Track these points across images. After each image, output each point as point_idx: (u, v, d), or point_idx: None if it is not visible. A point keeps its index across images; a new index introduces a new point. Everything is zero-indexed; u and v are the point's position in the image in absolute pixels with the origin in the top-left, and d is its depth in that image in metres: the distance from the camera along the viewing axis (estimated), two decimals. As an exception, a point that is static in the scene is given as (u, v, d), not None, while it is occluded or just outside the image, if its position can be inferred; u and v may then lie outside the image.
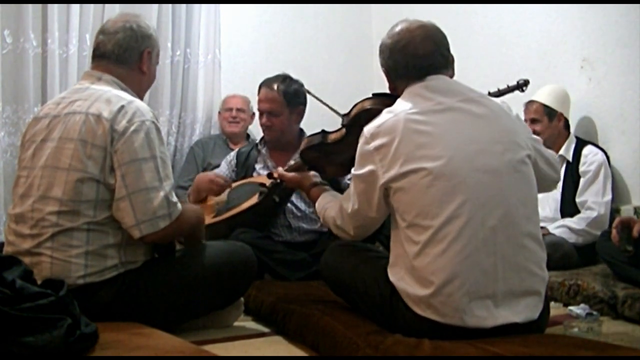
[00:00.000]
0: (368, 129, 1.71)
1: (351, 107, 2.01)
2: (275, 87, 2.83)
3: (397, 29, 1.79)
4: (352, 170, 1.78)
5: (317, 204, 2.02)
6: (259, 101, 2.88)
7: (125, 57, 1.97)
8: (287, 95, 2.83)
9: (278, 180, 2.28)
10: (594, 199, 2.87)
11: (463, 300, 1.54)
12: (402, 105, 1.70)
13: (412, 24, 1.78)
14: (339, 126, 2.06)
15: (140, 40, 1.99)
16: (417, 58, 1.73)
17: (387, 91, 1.88)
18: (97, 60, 1.99)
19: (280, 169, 2.26)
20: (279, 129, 2.85)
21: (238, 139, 3.81)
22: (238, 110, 3.82)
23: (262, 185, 2.38)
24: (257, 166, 2.92)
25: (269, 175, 2.33)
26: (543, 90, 3.10)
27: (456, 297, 1.54)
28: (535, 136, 1.83)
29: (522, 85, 2.36)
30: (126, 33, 1.97)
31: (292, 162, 2.31)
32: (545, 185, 1.84)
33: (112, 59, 1.96)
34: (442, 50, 1.77)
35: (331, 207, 1.91)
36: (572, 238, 2.83)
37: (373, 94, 1.97)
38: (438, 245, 1.56)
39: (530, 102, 3.07)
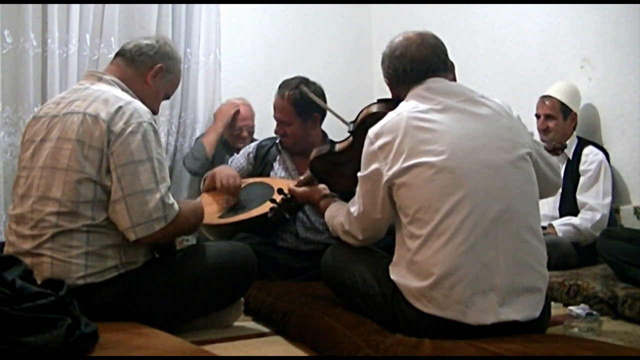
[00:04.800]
0: (372, 130, 1.75)
1: (357, 114, 2.05)
2: (286, 95, 2.74)
3: (396, 39, 1.85)
4: (359, 174, 1.80)
5: (326, 214, 2.06)
6: (273, 108, 2.81)
7: (138, 59, 2.00)
8: (297, 105, 2.73)
9: (289, 196, 2.28)
10: (596, 201, 2.87)
11: (465, 292, 1.55)
12: (404, 106, 1.75)
13: (408, 33, 1.84)
14: (346, 135, 2.09)
15: (158, 53, 2.04)
16: (415, 62, 1.78)
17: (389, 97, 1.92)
18: (115, 58, 2.04)
19: (290, 185, 2.28)
20: (292, 137, 2.79)
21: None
22: (246, 127, 3.71)
23: (272, 200, 2.34)
24: (276, 165, 2.86)
25: (280, 191, 2.32)
26: (558, 86, 3.08)
27: (458, 289, 1.55)
28: (537, 140, 1.85)
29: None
30: (151, 42, 2.04)
31: (301, 178, 2.30)
32: (547, 189, 1.85)
33: (126, 57, 2.01)
34: (439, 53, 1.81)
35: (339, 214, 1.95)
36: (575, 237, 2.83)
37: (378, 100, 2.03)
38: (439, 238, 1.58)
39: (547, 96, 3.05)
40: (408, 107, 1.72)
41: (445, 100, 1.71)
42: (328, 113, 2.71)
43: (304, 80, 2.80)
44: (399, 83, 1.83)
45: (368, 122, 1.88)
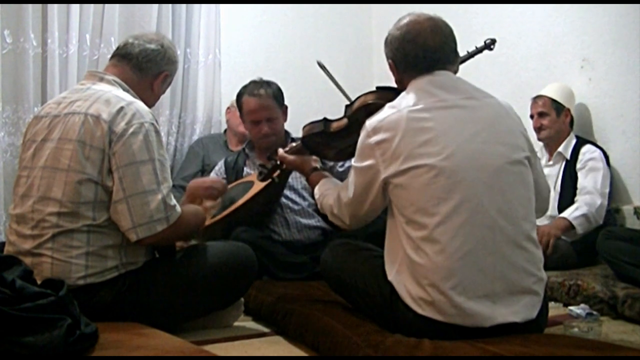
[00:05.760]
0: (370, 122, 1.71)
1: (355, 98, 2.02)
2: (264, 92, 2.81)
3: (405, 20, 1.78)
4: (353, 162, 1.78)
5: (316, 190, 2.03)
6: (252, 112, 2.83)
7: (146, 67, 2.00)
8: (277, 97, 2.84)
9: (278, 162, 2.28)
10: (594, 186, 2.84)
11: (462, 297, 1.54)
12: (405, 101, 1.70)
13: (420, 16, 1.77)
14: (342, 115, 2.07)
15: (165, 60, 2.04)
16: (427, 50, 1.72)
17: (390, 85, 1.89)
18: (117, 59, 2.01)
19: (281, 151, 2.25)
20: (278, 133, 2.86)
21: (239, 142, 3.79)
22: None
23: (262, 165, 2.36)
24: (247, 169, 2.94)
25: (269, 157, 2.33)
26: (550, 86, 3.12)
27: (455, 294, 1.54)
28: (535, 150, 1.82)
29: (489, 45, 2.33)
30: (157, 47, 2.02)
31: (293, 144, 2.30)
32: (538, 204, 1.77)
33: (133, 63, 1.98)
34: (451, 43, 1.77)
35: (329, 194, 1.92)
36: (587, 227, 2.76)
37: (377, 87, 1.97)
38: (436, 243, 1.56)
39: (539, 96, 3.09)
40: (408, 103, 1.67)
41: (448, 97, 1.68)
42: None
43: (264, 80, 2.91)
44: (406, 68, 1.76)
45: (364, 111, 1.86)
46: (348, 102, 2.19)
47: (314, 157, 2.19)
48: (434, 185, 1.58)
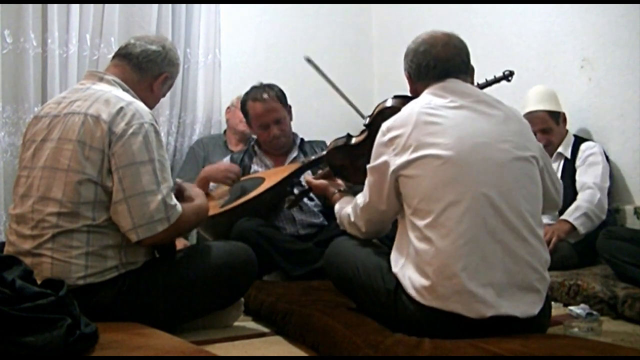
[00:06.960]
0: (385, 123, 1.79)
1: (373, 109, 2.14)
2: (267, 95, 2.89)
3: (422, 36, 1.88)
4: (368, 165, 1.83)
5: (336, 206, 2.13)
6: (259, 116, 2.89)
7: (146, 67, 2.01)
8: (281, 98, 2.92)
9: (306, 187, 2.43)
10: (594, 180, 2.82)
11: (465, 284, 1.55)
12: (418, 101, 1.78)
13: (436, 32, 1.88)
14: (362, 129, 2.19)
15: (166, 61, 2.05)
16: (438, 60, 1.81)
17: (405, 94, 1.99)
18: (118, 59, 2.02)
19: (308, 177, 2.40)
20: (287, 134, 2.95)
21: (240, 141, 3.79)
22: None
23: (291, 193, 2.49)
24: (254, 166, 2.97)
25: (295, 184, 2.48)
26: (536, 96, 3.01)
27: (458, 281, 1.56)
28: (546, 154, 1.86)
29: (507, 76, 2.35)
30: (158, 48, 2.03)
31: (320, 171, 2.44)
32: (546, 205, 1.83)
33: (133, 63, 1.99)
34: (463, 56, 1.84)
35: (348, 205, 2.00)
36: (590, 226, 2.73)
37: (394, 96, 2.10)
38: (440, 229, 1.59)
39: (534, 112, 2.96)
40: (421, 102, 1.75)
41: (459, 99, 1.74)
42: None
43: (265, 84, 2.97)
44: (419, 78, 1.85)
45: (382, 116, 1.95)
46: (339, 95, 2.29)
47: (340, 182, 2.33)
48: (440, 174, 1.63)
